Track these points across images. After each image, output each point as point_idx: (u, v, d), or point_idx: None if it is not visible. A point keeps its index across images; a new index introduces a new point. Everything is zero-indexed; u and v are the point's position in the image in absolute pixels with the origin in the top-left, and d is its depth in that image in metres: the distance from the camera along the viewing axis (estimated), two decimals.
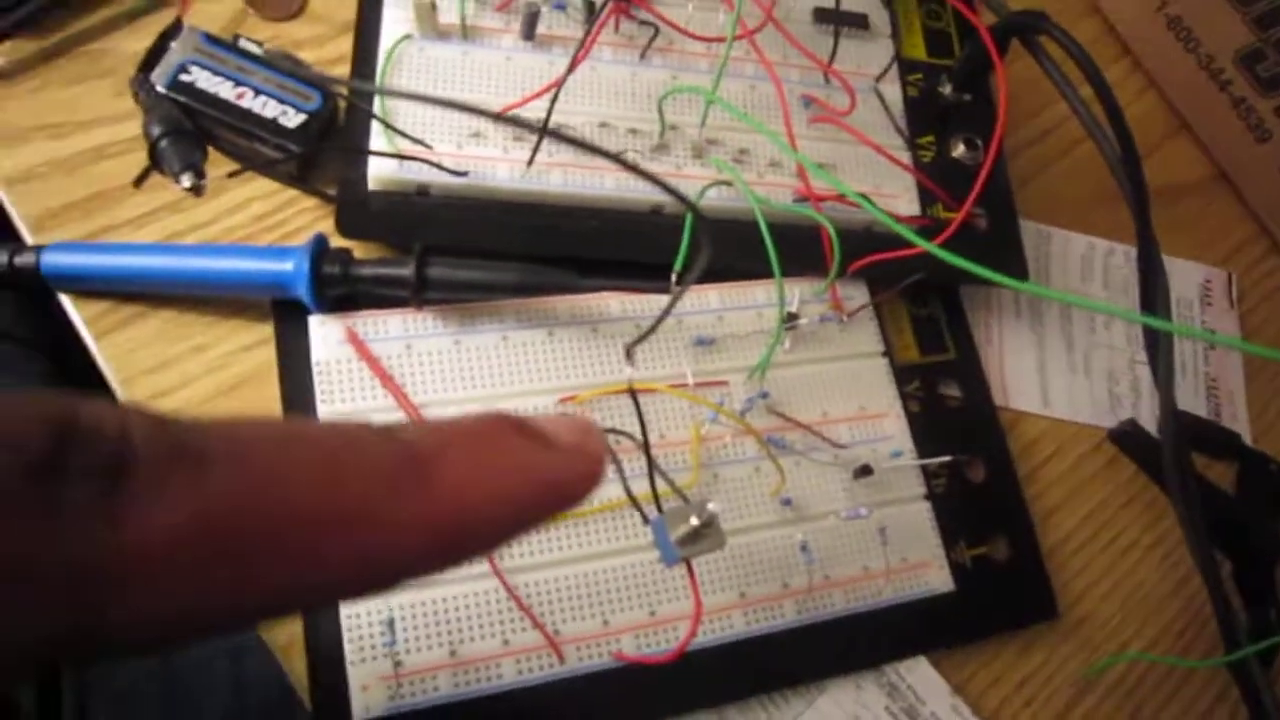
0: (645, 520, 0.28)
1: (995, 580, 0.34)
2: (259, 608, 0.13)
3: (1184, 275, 0.44)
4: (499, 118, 0.18)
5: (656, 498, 0.26)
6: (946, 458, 0.34)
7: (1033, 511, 0.36)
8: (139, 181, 0.31)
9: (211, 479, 0.11)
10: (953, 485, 0.34)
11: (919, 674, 0.32)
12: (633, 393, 0.25)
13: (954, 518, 0.34)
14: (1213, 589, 0.34)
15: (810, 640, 0.30)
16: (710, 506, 0.24)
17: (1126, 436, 0.38)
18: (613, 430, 0.30)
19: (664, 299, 0.25)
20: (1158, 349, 0.34)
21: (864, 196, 0.31)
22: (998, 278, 0.22)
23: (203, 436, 0.12)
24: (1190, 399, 0.42)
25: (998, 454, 0.36)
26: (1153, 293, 0.34)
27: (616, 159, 0.19)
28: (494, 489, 0.14)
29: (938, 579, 0.32)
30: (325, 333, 0.29)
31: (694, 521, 0.24)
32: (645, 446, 0.25)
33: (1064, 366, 0.40)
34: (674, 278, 0.30)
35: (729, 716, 0.30)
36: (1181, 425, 0.34)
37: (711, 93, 0.32)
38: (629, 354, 0.23)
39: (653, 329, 0.22)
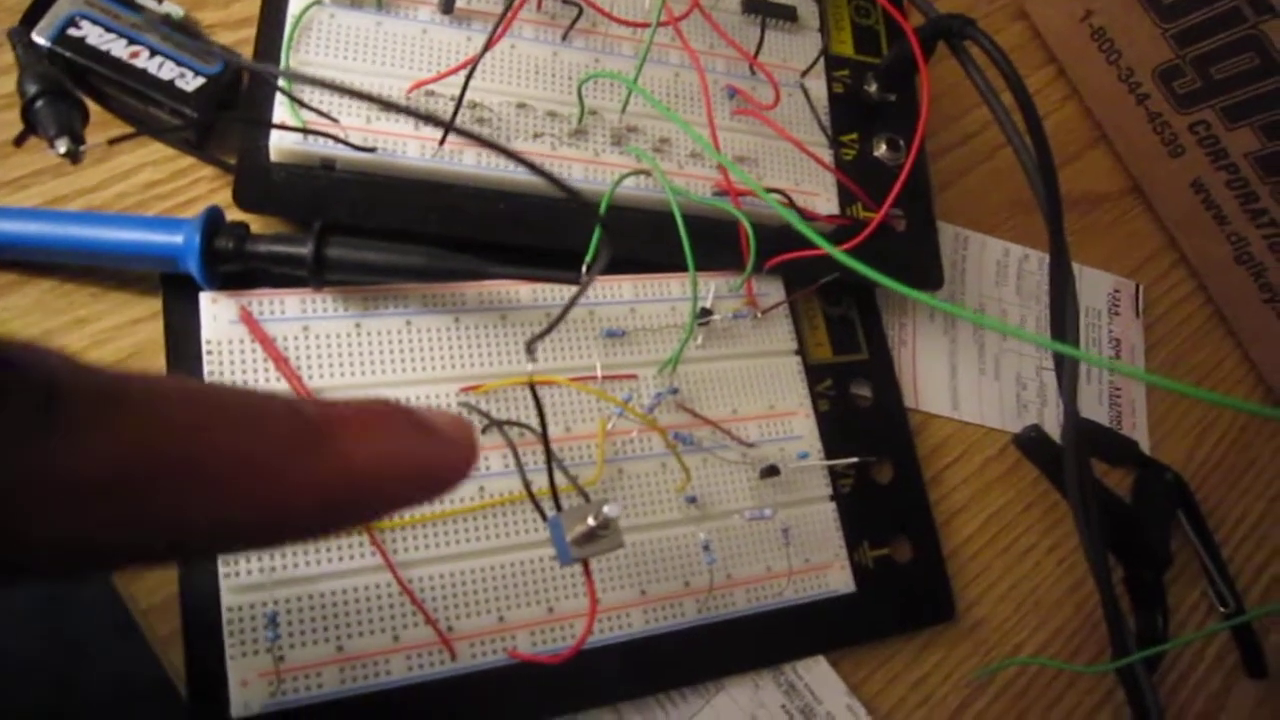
0: (544, 517, 0.27)
1: (896, 581, 0.34)
2: (160, 545, 0.14)
3: (1094, 284, 0.45)
4: (403, 110, 0.17)
5: (555, 493, 0.25)
6: (853, 459, 0.34)
7: (936, 513, 0.36)
8: (19, 141, 0.29)
9: (129, 422, 0.12)
10: (859, 486, 0.34)
11: (816, 673, 0.32)
12: (533, 387, 0.25)
13: (858, 519, 0.34)
14: (1105, 593, 0.34)
15: (709, 639, 0.30)
16: (607, 509, 0.23)
17: (1030, 442, 0.39)
18: (515, 423, 0.29)
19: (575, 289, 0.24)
20: (1063, 363, 0.34)
21: (779, 193, 0.31)
22: (902, 289, 0.22)
23: (123, 384, 0.13)
24: (1093, 405, 0.42)
25: (905, 456, 0.36)
26: (1062, 311, 0.34)
27: (522, 161, 0.18)
28: (378, 464, 0.15)
29: (839, 580, 0.32)
30: (217, 310, 0.28)
31: (591, 522, 0.24)
32: (545, 441, 0.25)
33: (974, 370, 0.40)
34: (584, 269, 0.29)
35: (626, 714, 0.30)
36: (1082, 433, 0.34)
37: (632, 81, 0.31)
38: (530, 349, 0.22)
39: (552, 326, 0.22)
